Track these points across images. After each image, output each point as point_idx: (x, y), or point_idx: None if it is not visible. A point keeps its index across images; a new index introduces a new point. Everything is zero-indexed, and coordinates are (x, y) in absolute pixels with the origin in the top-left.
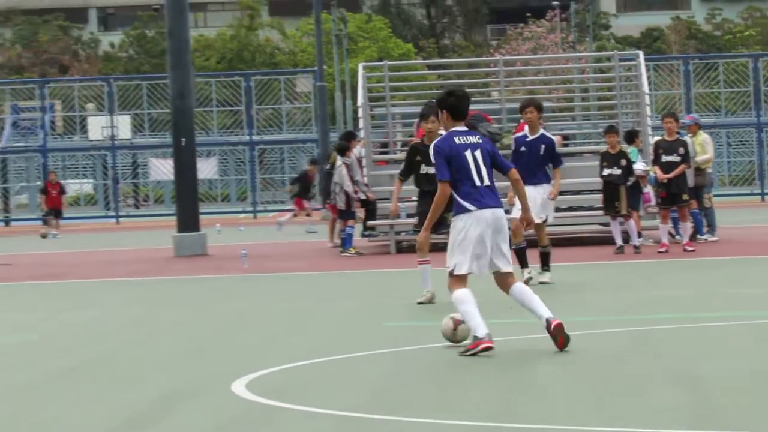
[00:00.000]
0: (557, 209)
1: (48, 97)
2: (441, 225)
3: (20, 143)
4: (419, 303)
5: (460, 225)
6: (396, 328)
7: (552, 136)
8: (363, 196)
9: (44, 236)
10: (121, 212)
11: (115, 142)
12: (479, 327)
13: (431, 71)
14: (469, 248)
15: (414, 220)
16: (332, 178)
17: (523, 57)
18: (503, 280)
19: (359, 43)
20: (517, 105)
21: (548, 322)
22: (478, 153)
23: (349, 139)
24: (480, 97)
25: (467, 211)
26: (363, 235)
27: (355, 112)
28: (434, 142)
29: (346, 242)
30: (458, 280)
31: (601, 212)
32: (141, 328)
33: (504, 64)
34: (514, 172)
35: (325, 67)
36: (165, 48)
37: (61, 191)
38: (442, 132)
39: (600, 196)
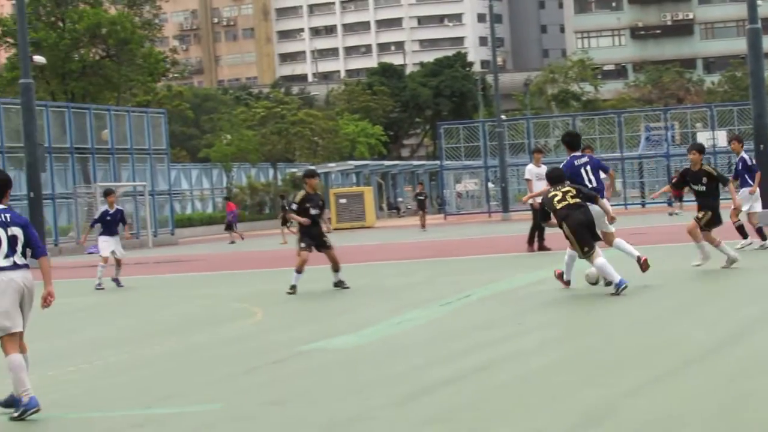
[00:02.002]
0: None
1: (669, 119)
2: None
3: (650, 151)
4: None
5: None
6: None
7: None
8: None
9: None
10: None
11: (716, 149)
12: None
13: None
14: None
15: None
16: None
17: None
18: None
19: None
20: None
21: (639, 258)
22: (588, 168)
23: None
24: None
25: None
26: None
27: None
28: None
29: None
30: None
31: None
32: None
33: None
34: (612, 172)
35: None
36: (748, 83)
37: None
38: None
39: None
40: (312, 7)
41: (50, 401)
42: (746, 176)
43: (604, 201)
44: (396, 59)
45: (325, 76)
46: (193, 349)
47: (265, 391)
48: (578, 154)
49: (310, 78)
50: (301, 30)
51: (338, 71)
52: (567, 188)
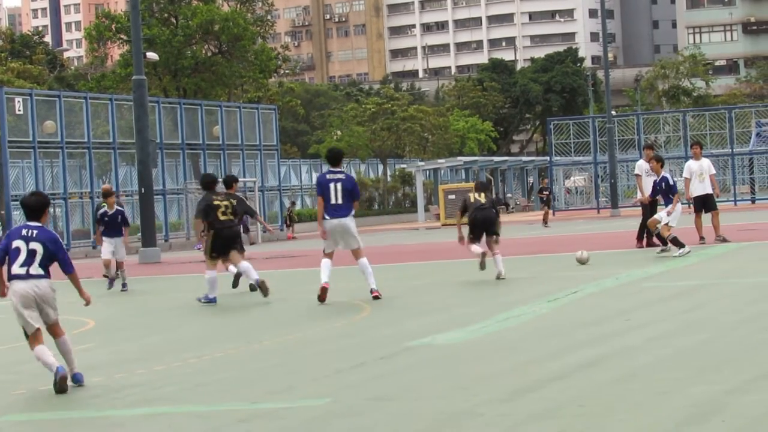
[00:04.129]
0: None
1: None
2: None
3: (761, 147)
4: None
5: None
6: None
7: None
8: None
9: None
10: None
11: None
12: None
13: None
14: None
15: None
16: None
17: None
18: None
19: None
20: None
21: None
22: (339, 185)
23: None
24: None
25: (324, 218)
26: None
27: None
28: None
29: None
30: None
31: None
32: None
33: None
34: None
35: None
36: None
37: None
38: None
39: None
40: (423, 3)
41: (157, 395)
42: (670, 196)
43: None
44: (507, 55)
45: (435, 72)
46: (300, 345)
47: (372, 387)
48: (336, 170)
49: (420, 74)
50: (413, 26)
51: (449, 67)
52: (227, 201)
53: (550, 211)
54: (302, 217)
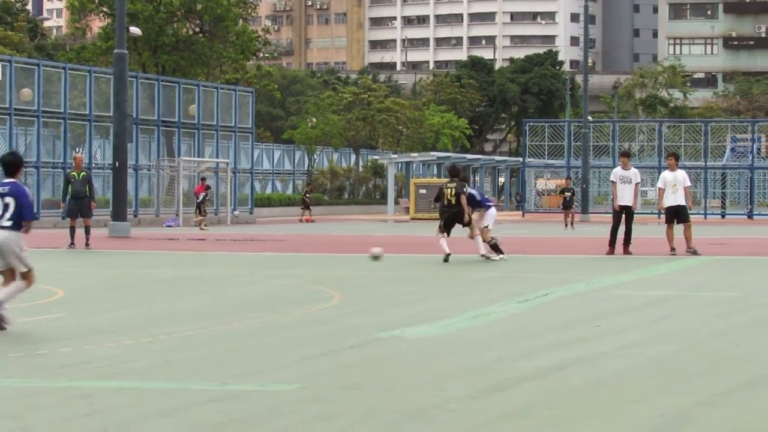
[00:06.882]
0: None
1: (756, 132)
2: None
3: (735, 162)
4: None
5: None
6: None
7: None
8: None
9: None
10: None
11: None
12: None
13: None
14: None
15: None
16: None
17: None
18: None
19: None
20: None
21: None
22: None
23: None
24: None
25: None
26: None
27: None
28: None
29: None
30: None
31: None
32: None
33: None
34: None
35: None
36: None
37: None
38: None
39: None
40: None
41: (127, 369)
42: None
43: None
44: (486, 53)
45: (413, 66)
46: (269, 329)
47: (342, 375)
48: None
49: (398, 67)
50: (394, 18)
51: (427, 61)
52: None
53: (572, 213)
54: (273, 202)
